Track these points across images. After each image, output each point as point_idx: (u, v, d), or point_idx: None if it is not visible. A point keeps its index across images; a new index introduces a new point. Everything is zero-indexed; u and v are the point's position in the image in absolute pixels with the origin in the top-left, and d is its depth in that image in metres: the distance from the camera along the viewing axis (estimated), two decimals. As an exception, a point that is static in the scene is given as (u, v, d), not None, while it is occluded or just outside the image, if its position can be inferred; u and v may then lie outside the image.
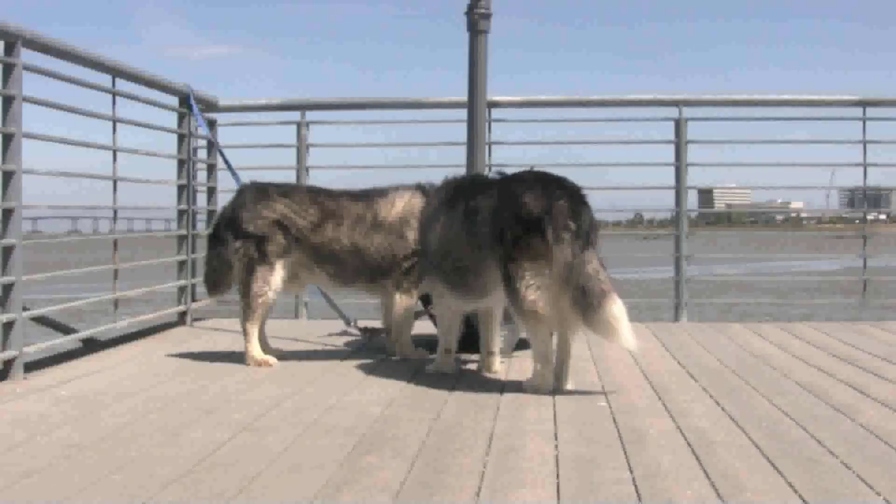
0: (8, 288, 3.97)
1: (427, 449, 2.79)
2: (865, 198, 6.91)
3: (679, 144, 6.27)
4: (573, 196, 3.67)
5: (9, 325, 3.95)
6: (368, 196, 4.54)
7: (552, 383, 3.66)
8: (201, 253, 5.54)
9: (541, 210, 3.59)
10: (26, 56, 4.07)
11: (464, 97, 5.26)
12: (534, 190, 3.66)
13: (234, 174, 5.24)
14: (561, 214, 3.57)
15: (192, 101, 5.69)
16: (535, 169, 3.92)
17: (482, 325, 4.17)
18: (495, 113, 6.30)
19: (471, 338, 4.39)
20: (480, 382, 3.94)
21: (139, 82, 5.25)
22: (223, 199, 5.62)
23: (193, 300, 5.90)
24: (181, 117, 5.76)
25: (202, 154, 6.18)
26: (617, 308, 3.46)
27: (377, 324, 4.93)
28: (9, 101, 3.97)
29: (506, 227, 3.65)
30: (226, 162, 5.52)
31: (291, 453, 2.75)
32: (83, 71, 4.67)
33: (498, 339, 4.20)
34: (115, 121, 4.98)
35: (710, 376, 4.04)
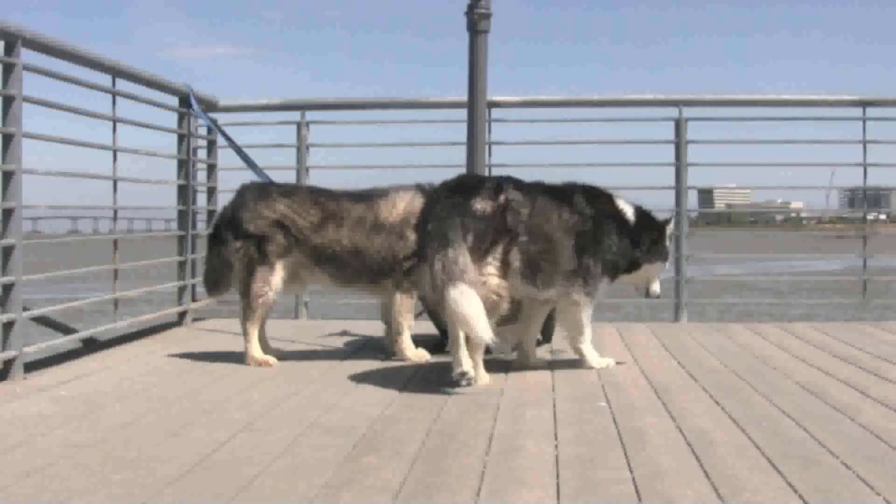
0: (8, 288, 3.97)
1: (427, 449, 2.79)
2: (865, 198, 6.91)
3: (679, 144, 6.26)
4: (432, 199, 3.95)
5: (9, 325, 3.94)
6: (369, 196, 4.54)
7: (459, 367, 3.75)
8: (201, 253, 5.53)
9: (422, 219, 3.93)
10: (26, 56, 4.07)
11: (464, 97, 5.25)
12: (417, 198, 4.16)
13: (251, 164, 5.18)
14: (423, 222, 3.87)
15: (193, 100, 5.68)
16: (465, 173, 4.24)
17: (523, 318, 4.21)
18: (495, 113, 6.29)
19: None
20: (480, 382, 3.94)
21: (139, 82, 5.25)
22: (223, 199, 5.61)
23: (193, 300, 5.89)
24: (181, 117, 5.76)
25: (202, 154, 6.18)
26: (455, 292, 3.55)
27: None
28: (9, 101, 3.97)
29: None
30: (238, 151, 5.43)
31: (291, 453, 2.75)
32: (83, 71, 4.67)
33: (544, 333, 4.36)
34: (115, 121, 4.98)
35: (710, 376, 4.04)
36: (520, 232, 3.84)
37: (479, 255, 3.73)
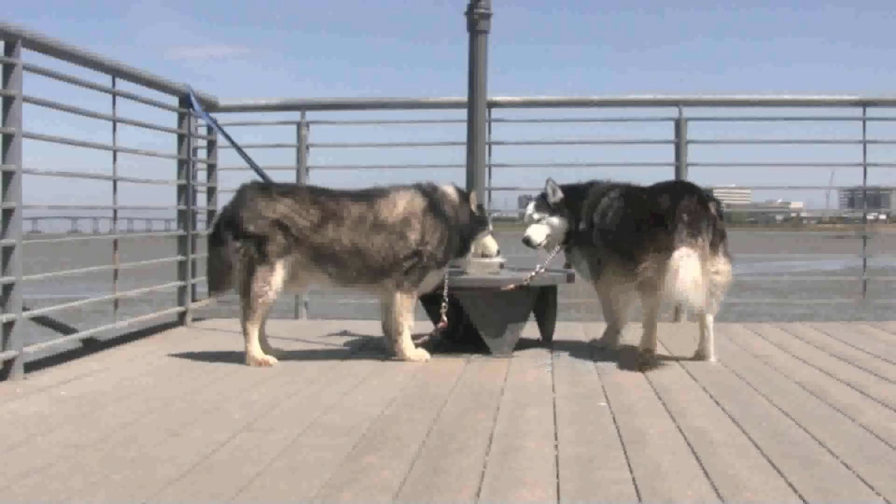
0: (8, 288, 3.97)
1: (427, 449, 2.79)
2: (865, 198, 6.91)
3: (679, 144, 6.27)
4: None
5: (9, 325, 3.95)
6: (369, 196, 4.54)
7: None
8: (201, 253, 5.53)
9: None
10: (26, 56, 4.07)
11: (464, 97, 5.26)
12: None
13: (252, 164, 5.16)
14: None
15: (194, 100, 5.68)
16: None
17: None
18: (495, 113, 6.30)
19: (470, 334, 4.39)
20: (480, 382, 3.95)
21: (139, 82, 5.24)
22: (223, 199, 5.61)
23: (193, 300, 5.90)
24: (181, 117, 5.76)
25: (202, 154, 6.18)
26: (677, 253, 4.13)
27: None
28: (9, 101, 3.97)
29: None
30: (239, 151, 5.41)
31: (291, 453, 2.75)
32: (83, 71, 4.67)
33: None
34: (115, 121, 4.98)
35: (710, 376, 4.04)
36: (725, 234, 4.43)
37: (713, 249, 4.30)
